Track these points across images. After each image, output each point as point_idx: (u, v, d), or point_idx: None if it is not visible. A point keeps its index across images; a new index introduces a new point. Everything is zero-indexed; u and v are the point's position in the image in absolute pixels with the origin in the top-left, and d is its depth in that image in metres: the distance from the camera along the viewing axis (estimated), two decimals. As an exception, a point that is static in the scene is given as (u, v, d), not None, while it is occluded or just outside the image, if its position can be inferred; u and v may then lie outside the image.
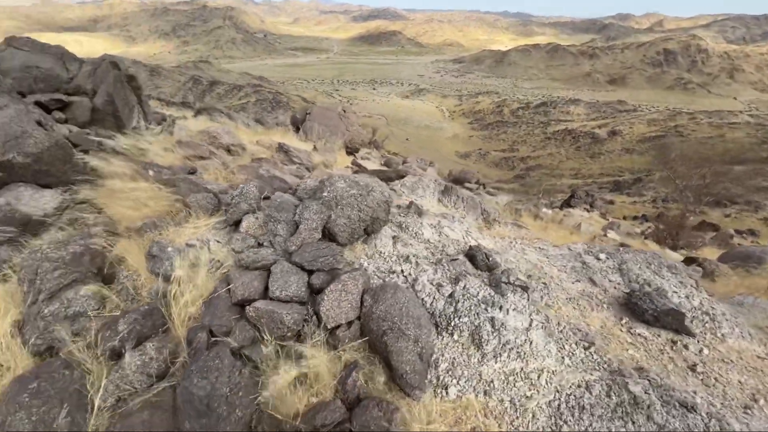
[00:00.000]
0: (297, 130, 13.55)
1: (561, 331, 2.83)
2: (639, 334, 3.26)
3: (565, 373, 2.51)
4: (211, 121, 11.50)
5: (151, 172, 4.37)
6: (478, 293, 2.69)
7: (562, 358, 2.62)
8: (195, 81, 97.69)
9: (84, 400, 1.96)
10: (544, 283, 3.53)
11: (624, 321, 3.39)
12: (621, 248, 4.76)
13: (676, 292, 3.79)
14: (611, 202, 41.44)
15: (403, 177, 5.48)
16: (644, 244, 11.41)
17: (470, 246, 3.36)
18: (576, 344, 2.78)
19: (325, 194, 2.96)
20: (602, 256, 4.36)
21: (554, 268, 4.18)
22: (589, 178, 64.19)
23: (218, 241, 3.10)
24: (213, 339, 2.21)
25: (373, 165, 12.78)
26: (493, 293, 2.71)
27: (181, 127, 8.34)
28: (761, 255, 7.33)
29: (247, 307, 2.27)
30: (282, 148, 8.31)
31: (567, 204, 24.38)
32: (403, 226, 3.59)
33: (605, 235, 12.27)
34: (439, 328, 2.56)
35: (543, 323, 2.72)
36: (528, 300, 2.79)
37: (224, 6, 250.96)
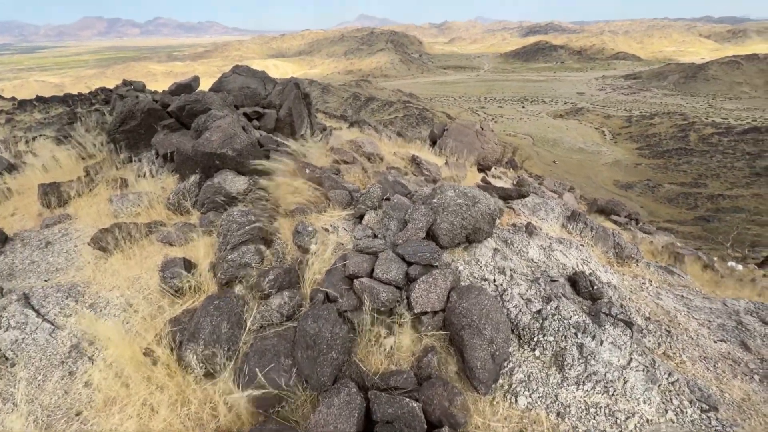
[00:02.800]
0: (434, 144, 14.27)
1: (672, 383, 2.49)
2: (801, 423, 2.55)
3: (664, 426, 2.24)
4: (360, 133, 13.20)
5: (307, 170, 5.51)
6: (570, 317, 2.62)
7: (666, 411, 2.33)
8: (355, 97, 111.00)
9: (241, 320, 2.80)
10: (668, 331, 3.09)
11: (781, 401, 2.70)
12: (809, 317, 3.65)
13: None
14: None
15: (524, 197, 5.39)
16: None
17: (575, 271, 3.21)
18: (690, 403, 2.41)
19: (434, 200, 3.33)
20: (772, 320, 3.47)
21: (693, 321, 3.56)
22: (823, 234, 46.83)
23: (345, 229, 3.80)
24: (327, 299, 2.82)
25: (503, 184, 12.47)
26: (588, 321, 2.60)
27: (335, 136, 9.93)
28: None
29: (355, 280, 2.80)
30: (415, 160, 9.01)
31: (771, 261, 18.59)
32: (509, 241, 3.66)
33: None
34: (521, 341, 2.61)
35: (646, 367, 2.46)
36: (631, 337, 2.56)
37: (389, 31, 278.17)
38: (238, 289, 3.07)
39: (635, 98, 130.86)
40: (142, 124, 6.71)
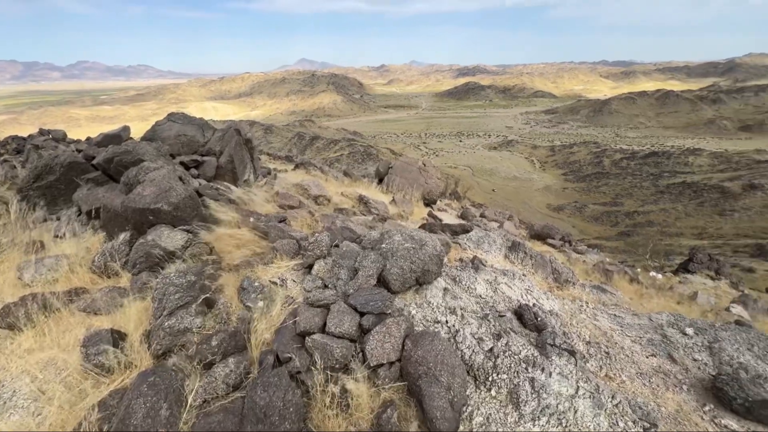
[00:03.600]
0: (380, 182, 14.65)
1: (616, 405, 2.64)
2: (725, 426, 2.83)
3: (615, 452, 2.35)
4: (306, 174, 13.19)
5: (251, 219, 5.34)
6: (520, 352, 2.72)
7: (614, 434, 2.45)
8: (299, 137, 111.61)
9: (181, 397, 2.53)
10: (607, 353, 3.32)
11: (707, 408, 2.98)
12: (718, 324, 4.14)
13: (786, 383, 3.18)
14: (751, 270, 34.11)
15: (468, 231, 5.66)
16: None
17: (520, 303, 3.38)
18: (634, 423, 2.57)
19: (383, 246, 3.37)
20: (689, 330, 3.88)
21: (627, 339, 3.86)
22: (719, 239, 54.38)
23: (294, 281, 3.68)
24: (278, 361, 2.66)
25: (449, 216, 13.03)
26: (536, 354, 2.71)
27: (281, 179, 9.83)
28: None
29: (307, 338, 2.69)
30: (362, 200, 9.16)
31: (684, 268, 20.88)
32: (457, 279, 3.78)
33: (727, 310, 10.31)
34: (477, 382, 2.64)
35: (592, 393, 2.60)
36: (576, 365, 2.71)
37: (330, 73, 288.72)
38: (177, 360, 2.79)
39: (556, 130, 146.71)
40: (62, 178, 6.14)
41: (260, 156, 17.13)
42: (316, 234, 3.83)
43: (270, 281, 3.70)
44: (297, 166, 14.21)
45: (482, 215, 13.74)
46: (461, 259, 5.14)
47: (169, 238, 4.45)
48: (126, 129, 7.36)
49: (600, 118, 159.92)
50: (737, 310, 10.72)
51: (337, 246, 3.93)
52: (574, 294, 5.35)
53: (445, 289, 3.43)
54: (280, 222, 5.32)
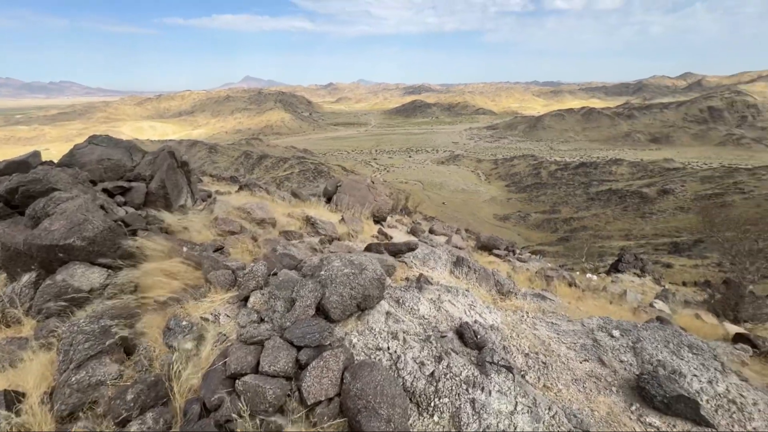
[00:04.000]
0: (329, 201, 14.48)
1: (552, 417, 2.73)
2: (650, 424, 3.02)
3: (553, 465, 2.40)
4: (251, 196, 12.65)
5: (185, 249, 4.96)
6: (461, 372, 2.73)
7: (552, 447, 2.51)
8: (246, 156, 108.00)
9: (87, 466, 2.20)
10: (544, 363, 3.44)
11: (634, 408, 3.17)
12: (640, 324, 4.50)
13: (696, 376, 3.51)
14: (669, 266, 38.15)
15: (413, 249, 5.71)
16: (696, 316, 10.37)
17: (461, 322, 3.43)
18: (569, 432, 2.66)
19: (322, 273, 3.27)
20: (616, 333, 4.17)
21: (563, 346, 4.05)
22: (642, 239, 60.49)
23: (228, 316, 3.44)
24: (205, 410, 2.42)
25: (399, 233, 13.15)
26: (477, 373, 2.74)
27: (222, 202, 9.31)
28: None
29: (237, 381, 2.49)
30: (309, 221, 8.95)
31: (615, 268, 22.71)
32: (401, 301, 3.75)
33: (651, 306, 11.35)
34: (420, 408, 2.60)
35: (530, 407, 2.66)
36: (513, 381, 2.77)
37: (277, 91, 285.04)
38: (85, 421, 2.45)
39: (497, 145, 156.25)
40: (-48, 213, 5.31)
41: (202, 178, 16.21)
42: (252, 264, 3.63)
43: (201, 318, 3.42)
44: (241, 188, 13.62)
45: (431, 230, 14.06)
46: (407, 278, 5.15)
47: (84, 276, 3.99)
48: (36, 155, 6.60)
49: (535, 133, 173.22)
50: (659, 305, 11.83)
51: (275, 275, 3.75)
52: (516, 304, 5.56)
53: (388, 312, 3.38)
54: (216, 251, 5.01)
